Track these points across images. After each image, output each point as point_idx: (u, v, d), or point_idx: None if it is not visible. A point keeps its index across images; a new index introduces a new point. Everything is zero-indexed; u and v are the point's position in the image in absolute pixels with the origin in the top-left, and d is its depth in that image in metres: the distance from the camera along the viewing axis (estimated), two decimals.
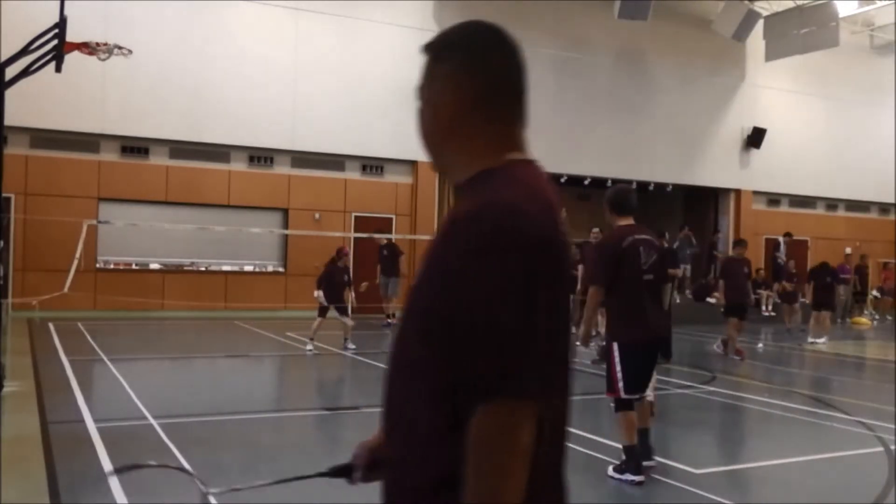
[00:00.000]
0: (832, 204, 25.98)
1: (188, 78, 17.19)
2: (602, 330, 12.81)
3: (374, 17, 18.96)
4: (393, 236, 18.85)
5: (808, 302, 16.59)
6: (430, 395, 1.45)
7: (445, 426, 1.40)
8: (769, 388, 9.79)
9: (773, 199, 24.86)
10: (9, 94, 7.85)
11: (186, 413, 7.32)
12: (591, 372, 9.88)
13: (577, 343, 5.77)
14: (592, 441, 6.52)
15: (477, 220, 1.44)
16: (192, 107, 17.24)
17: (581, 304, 15.06)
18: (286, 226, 18.42)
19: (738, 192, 24.08)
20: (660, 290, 5.63)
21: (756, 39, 22.04)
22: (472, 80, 1.58)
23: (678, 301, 18.53)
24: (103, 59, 9.32)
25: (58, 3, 7.86)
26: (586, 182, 22.10)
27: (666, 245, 12.40)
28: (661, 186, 22.84)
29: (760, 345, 14.71)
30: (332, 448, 6.31)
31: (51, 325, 13.99)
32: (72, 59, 8.94)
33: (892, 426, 7.31)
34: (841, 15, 20.86)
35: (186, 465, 5.38)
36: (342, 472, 1.85)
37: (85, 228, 15.17)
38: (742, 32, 20.82)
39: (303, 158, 18.62)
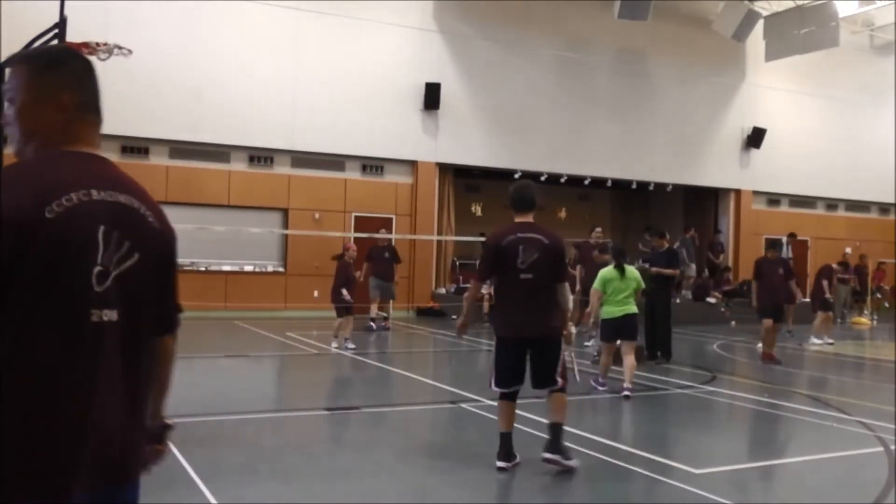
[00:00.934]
0: (832, 204, 25.99)
1: (188, 78, 17.20)
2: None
3: (374, 18, 18.97)
4: (393, 236, 18.86)
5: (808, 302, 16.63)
6: None
7: None
8: (769, 388, 9.79)
9: (773, 199, 24.87)
10: None
11: (186, 413, 7.31)
12: (592, 372, 9.89)
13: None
14: (593, 441, 6.52)
15: None
16: (192, 107, 17.25)
17: (580, 304, 15.15)
18: (286, 226, 18.43)
19: (738, 192, 24.09)
20: (544, 290, 5.52)
21: (756, 39, 22.05)
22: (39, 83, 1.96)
23: (678, 301, 18.56)
24: (103, 59, 9.31)
25: (58, 3, 7.86)
26: (586, 182, 22.11)
27: (666, 245, 12.30)
28: (661, 186, 22.86)
29: (760, 345, 14.71)
30: (332, 448, 6.31)
31: None
32: None
33: (892, 426, 7.31)
34: (841, 15, 20.87)
35: (187, 466, 5.38)
36: None
37: None
38: (742, 32, 20.82)
39: (303, 158, 18.63)
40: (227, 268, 18.06)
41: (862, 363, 14.16)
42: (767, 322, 12.02)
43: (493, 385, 5.63)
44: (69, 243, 1.75)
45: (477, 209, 23.47)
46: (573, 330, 5.79)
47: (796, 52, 21.38)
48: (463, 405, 7.99)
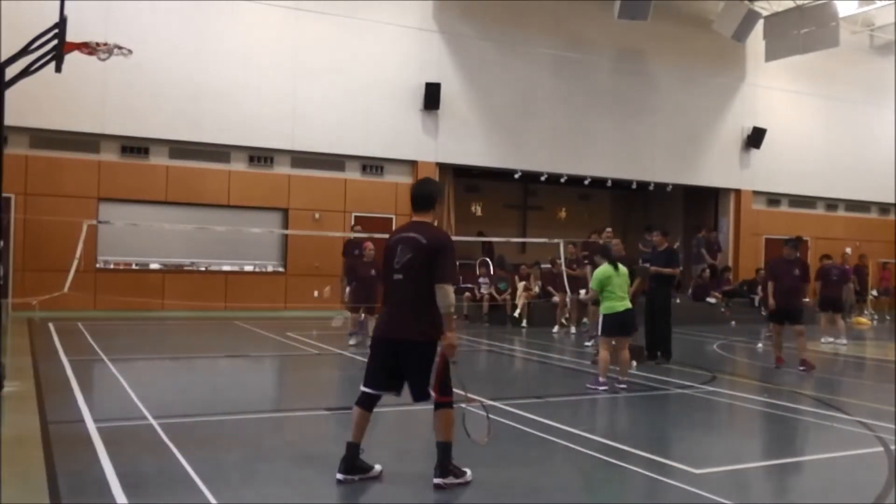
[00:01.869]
0: (832, 204, 26.00)
1: (188, 78, 17.20)
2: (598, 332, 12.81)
3: (374, 18, 18.98)
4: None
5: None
6: None
7: None
8: (769, 388, 9.79)
9: (773, 199, 24.88)
10: (9, 94, 7.84)
11: (186, 413, 7.32)
12: (593, 372, 9.89)
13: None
14: (593, 441, 6.52)
15: None
16: (192, 107, 17.26)
17: (578, 303, 15.06)
18: (286, 226, 18.43)
19: (738, 192, 24.10)
20: (415, 292, 5.12)
21: (756, 39, 22.06)
22: None
23: (678, 301, 18.56)
24: (103, 59, 9.30)
25: (58, 3, 7.86)
26: (586, 182, 22.12)
27: (666, 244, 12.26)
28: (661, 186, 22.87)
29: (760, 345, 14.70)
30: (332, 448, 6.30)
31: (51, 325, 14.00)
32: (72, 58, 8.93)
33: (892, 426, 7.31)
34: (841, 15, 20.88)
35: (187, 466, 5.38)
36: None
37: (85, 228, 15.17)
38: (742, 32, 20.83)
39: (303, 158, 18.64)
40: (227, 268, 18.06)
41: (862, 363, 14.16)
42: (777, 326, 11.65)
43: (361, 384, 5.37)
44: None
45: (477, 209, 23.47)
46: (455, 340, 5.25)
47: (796, 52, 21.39)
48: (463, 405, 7.98)
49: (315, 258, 18.47)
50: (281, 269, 18.44)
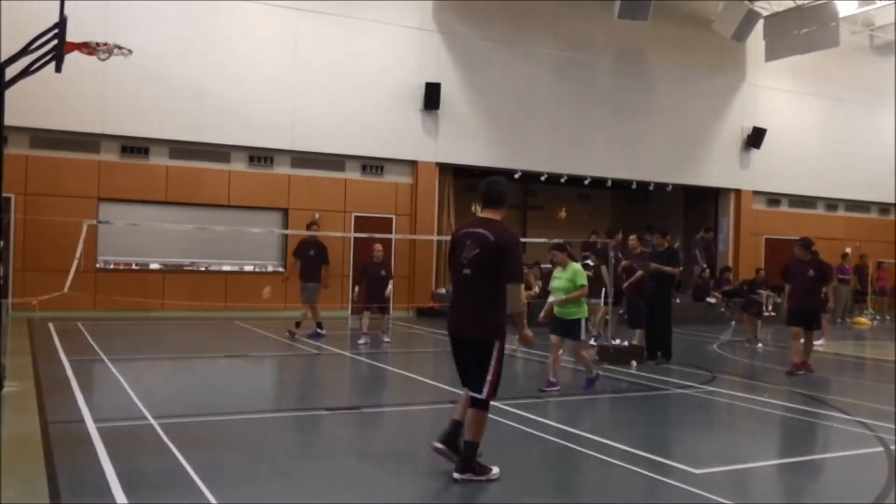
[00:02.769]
0: (832, 204, 25.99)
1: (188, 78, 17.20)
2: (601, 331, 12.79)
3: (374, 17, 18.97)
4: (393, 236, 18.84)
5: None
6: None
7: None
8: (769, 388, 9.79)
9: (773, 199, 24.88)
10: (9, 94, 7.84)
11: (186, 413, 7.32)
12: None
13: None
14: (593, 441, 6.52)
15: None
16: (192, 107, 17.25)
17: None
18: (286, 226, 18.43)
19: (738, 191, 24.10)
20: (481, 287, 5.20)
21: (756, 39, 22.06)
22: None
23: (678, 301, 18.56)
24: (103, 59, 9.29)
25: (58, 3, 7.86)
26: (586, 182, 22.11)
27: (667, 245, 12.24)
28: (661, 186, 22.86)
29: (760, 345, 14.72)
30: (331, 448, 6.30)
31: (51, 325, 14.00)
32: (72, 58, 8.93)
33: (892, 426, 7.31)
34: (841, 15, 20.88)
35: (187, 466, 5.38)
36: None
37: (85, 228, 15.16)
38: (742, 32, 20.83)
39: (303, 158, 18.64)
40: (227, 268, 18.06)
41: (862, 363, 14.16)
42: (795, 330, 11.01)
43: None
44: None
45: (477, 209, 23.42)
46: (530, 334, 5.48)
47: (796, 52, 21.39)
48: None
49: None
50: (281, 269, 18.42)
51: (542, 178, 21.39)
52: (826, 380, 10.95)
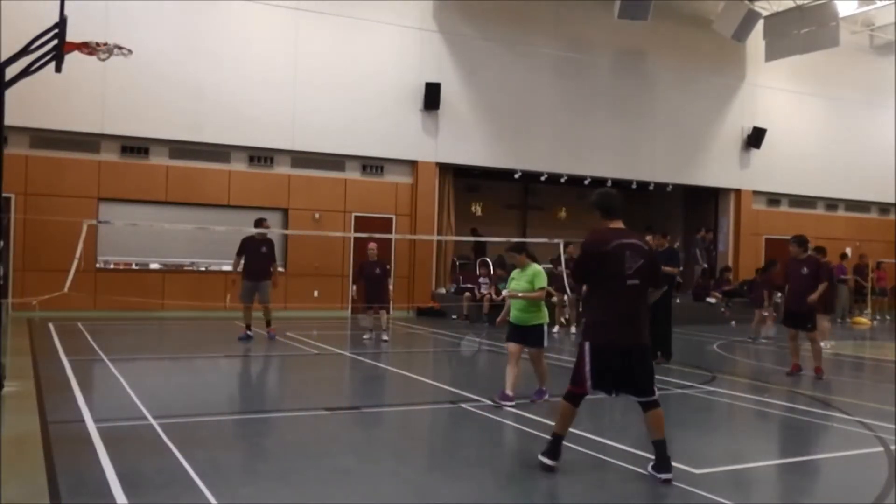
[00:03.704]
0: (832, 204, 26.00)
1: (188, 78, 17.20)
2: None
3: (374, 17, 18.98)
4: (393, 236, 18.84)
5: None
6: None
7: None
8: (769, 388, 9.79)
9: (773, 199, 24.88)
10: (9, 94, 7.84)
11: (186, 413, 7.32)
12: None
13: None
14: (593, 441, 6.52)
15: None
16: (192, 107, 17.25)
17: (578, 303, 14.97)
18: (286, 226, 18.43)
19: (738, 191, 24.10)
20: (644, 296, 5.64)
21: (756, 39, 22.06)
22: None
23: (678, 301, 18.56)
24: (103, 59, 9.28)
25: (58, 3, 7.85)
26: (586, 182, 22.08)
27: (667, 245, 12.26)
28: (661, 186, 22.86)
29: (763, 340, 14.71)
30: (332, 448, 6.30)
31: (51, 325, 14.00)
32: (72, 59, 8.92)
33: (892, 426, 7.31)
34: (841, 15, 20.88)
35: (187, 466, 5.38)
36: None
37: (85, 228, 15.13)
38: (742, 32, 20.83)
39: (303, 158, 18.64)
40: (227, 268, 18.02)
41: (862, 363, 14.16)
42: (791, 332, 10.89)
43: (571, 385, 5.61)
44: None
45: (477, 209, 23.47)
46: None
47: (796, 52, 21.39)
48: (463, 405, 7.99)
49: (315, 258, 18.49)
50: (281, 269, 18.42)
51: (542, 178, 21.39)
52: (826, 380, 10.95)
